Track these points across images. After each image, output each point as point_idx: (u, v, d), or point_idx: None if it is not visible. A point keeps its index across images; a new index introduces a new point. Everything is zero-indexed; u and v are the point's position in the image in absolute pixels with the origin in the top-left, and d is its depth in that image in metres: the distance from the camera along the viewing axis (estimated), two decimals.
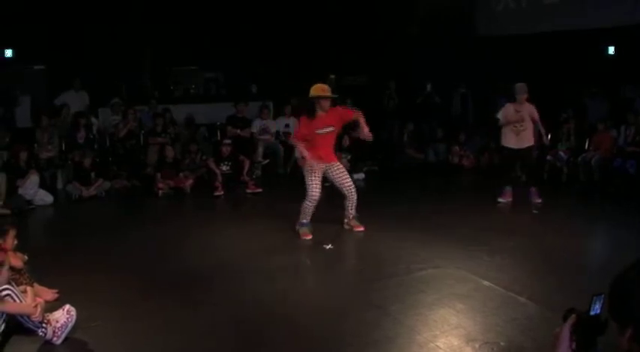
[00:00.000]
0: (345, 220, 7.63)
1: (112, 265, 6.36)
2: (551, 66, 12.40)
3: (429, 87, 13.98)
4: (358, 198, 7.46)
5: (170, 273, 6.11)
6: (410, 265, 6.17)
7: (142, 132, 11.94)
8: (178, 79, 15.34)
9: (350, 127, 12.07)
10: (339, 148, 11.41)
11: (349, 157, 11.49)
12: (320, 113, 7.12)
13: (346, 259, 6.43)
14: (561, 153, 10.96)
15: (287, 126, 12.29)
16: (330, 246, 6.84)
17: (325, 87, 7.21)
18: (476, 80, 13.98)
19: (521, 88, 8.90)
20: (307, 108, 7.14)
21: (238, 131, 11.82)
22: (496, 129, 12.94)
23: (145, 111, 12.53)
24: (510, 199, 9.07)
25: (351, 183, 7.40)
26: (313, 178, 7.13)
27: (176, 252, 6.91)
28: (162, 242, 7.35)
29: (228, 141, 11.00)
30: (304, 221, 7.31)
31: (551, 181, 10.82)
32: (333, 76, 13.59)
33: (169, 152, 10.56)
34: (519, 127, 8.93)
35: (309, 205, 7.20)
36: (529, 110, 8.92)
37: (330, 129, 7.21)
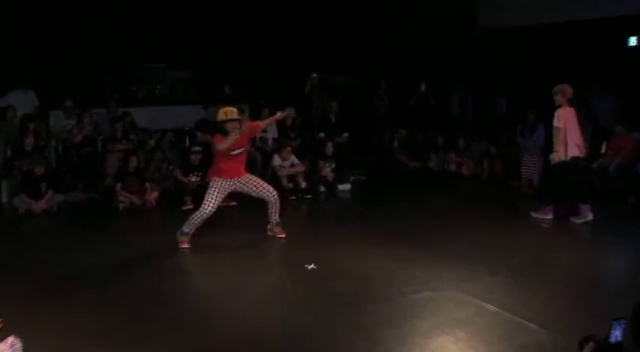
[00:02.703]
0: (268, 227, 8.08)
1: (63, 290, 6.21)
2: (561, 61, 12.34)
3: (423, 87, 14.00)
4: (344, 211, 7.43)
5: (129, 299, 6.01)
6: (403, 287, 6.13)
7: (100, 138, 11.78)
8: (143, 78, 15.18)
9: (333, 134, 12.07)
10: (322, 156, 11.42)
11: (333, 166, 11.42)
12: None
13: (332, 280, 6.36)
14: None
15: (264, 131, 12.20)
16: (312, 266, 6.78)
17: (229, 110, 7.61)
18: (476, 80, 14.00)
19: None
20: (222, 131, 7.58)
21: (209, 137, 11.71)
22: (497, 133, 13.01)
23: (103, 114, 12.37)
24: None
25: (269, 187, 7.83)
26: (215, 195, 7.56)
27: (137, 274, 6.81)
28: (122, 263, 7.21)
29: (197, 148, 10.92)
30: (186, 230, 7.67)
31: None
32: (315, 75, 13.57)
33: (132, 161, 10.41)
34: None
35: (199, 218, 7.58)
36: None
37: (241, 150, 7.76)
